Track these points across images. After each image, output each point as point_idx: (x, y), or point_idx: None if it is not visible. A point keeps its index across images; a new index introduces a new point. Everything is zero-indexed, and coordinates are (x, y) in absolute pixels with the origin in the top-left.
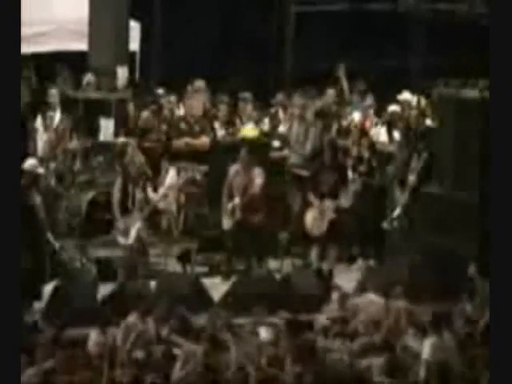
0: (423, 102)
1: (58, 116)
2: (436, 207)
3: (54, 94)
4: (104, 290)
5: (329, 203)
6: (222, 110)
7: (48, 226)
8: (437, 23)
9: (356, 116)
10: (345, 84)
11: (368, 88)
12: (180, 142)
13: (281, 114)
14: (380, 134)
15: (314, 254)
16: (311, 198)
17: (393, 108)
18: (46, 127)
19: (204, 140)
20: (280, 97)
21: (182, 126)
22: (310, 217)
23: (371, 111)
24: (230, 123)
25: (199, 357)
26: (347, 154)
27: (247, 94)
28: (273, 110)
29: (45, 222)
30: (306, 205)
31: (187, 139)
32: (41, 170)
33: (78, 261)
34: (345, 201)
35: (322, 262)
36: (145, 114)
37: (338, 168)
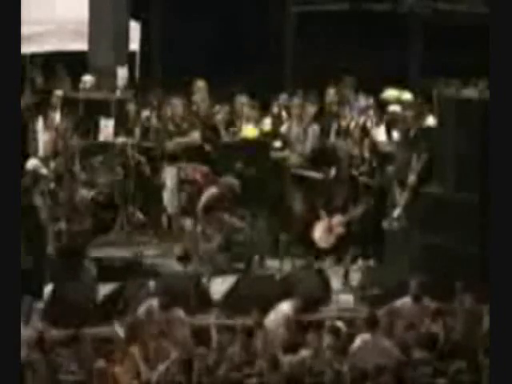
0: (423, 101)
1: (58, 116)
2: (436, 207)
3: (59, 94)
4: (104, 290)
5: (338, 218)
6: (223, 110)
7: (48, 225)
8: (437, 23)
9: (356, 116)
10: (351, 97)
11: (368, 88)
12: (171, 143)
13: (284, 115)
14: (379, 133)
15: (327, 263)
16: (321, 212)
17: (393, 108)
18: (47, 127)
19: (194, 136)
20: (283, 97)
21: (170, 127)
22: (318, 230)
23: (371, 112)
24: (230, 124)
25: None
26: (358, 164)
27: (243, 98)
28: (275, 111)
29: (45, 222)
30: (316, 218)
31: (177, 139)
32: (44, 171)
33: (78, 261)
34: (355, 212)
35: (322, 262)
36: (145, 113)
37: (349, 181)
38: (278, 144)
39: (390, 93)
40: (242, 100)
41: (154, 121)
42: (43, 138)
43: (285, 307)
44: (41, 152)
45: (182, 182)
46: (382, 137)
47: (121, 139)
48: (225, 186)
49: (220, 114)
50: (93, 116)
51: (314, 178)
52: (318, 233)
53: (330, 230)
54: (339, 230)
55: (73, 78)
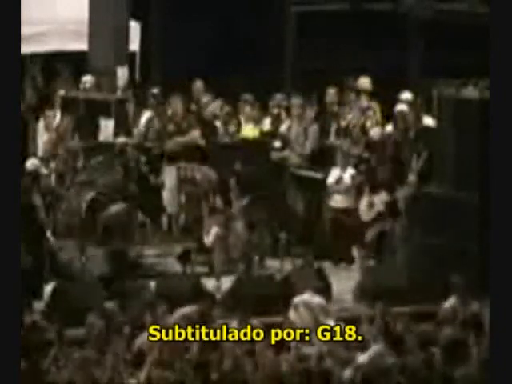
0: (423, 101)
1: (58, 116)
2: (436, 207)
3: (59, 94)
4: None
5: (381, 196)
6: (223, 110)
7: (48, 225)
8: (437, 23)
9: (356, 116)
10: (352, 96)
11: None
12: (171, 143)
13: (283, 115)
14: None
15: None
16: (365, 187)
17: (400, 107)
18: (47, 127)
19: (193, 135)
20: (279, 97)
21: (170, 127)
22: (363, 203)
23: (370, 112)
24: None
25: None
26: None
27: (248, 96)
28: (275, 111)
29: (45, 221)
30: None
31: (177, 138)
32: (44, 171)
33: (78, 261)
34: (398, 194)
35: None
36: (145, 113)
37: (396, 162)
38: (277, 144)
39: (406, 95)
40: (244, 101)
41: (154, 120)
42: (43, 138)
43: (315, 298)
44: (40, 152)
45: (181, 182)
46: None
47: (121, 139)
48: (201, 180)
49: (215, 110)
50: (93, 116)
51: (314, 178)
52: (362, 206)
53: (371, 205)
54: (380, 207)
55: (73, 77)
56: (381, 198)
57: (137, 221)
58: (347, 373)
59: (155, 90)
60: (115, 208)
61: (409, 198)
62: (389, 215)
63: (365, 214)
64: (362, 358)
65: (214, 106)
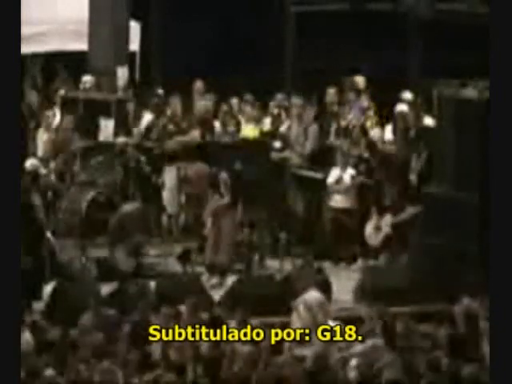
0: (423, 101)
1: (58, 116)
2: (436, 207)
3: (59, 94)
4: (104, 289)
5: (387, 218)
6: (223, 109)
7: (48, 225)
8: (437, 23)
9: (356, 116)
10: (351, 95)
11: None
12: (172, 142)
13: (283, 115)
14: (385, 132)
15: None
16: (372, 210)
17: (400, 107)
18: (47, 127)
19: (193, 134)
20: (279, 97)
21: (170, 127)
22: (368, 228)
23: (370, 112)
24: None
25: None
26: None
27: (249, 96)
28: (275, 111)
29: (44, 221)
30: (368, 215)
31: (177, 138)
32: (43, 171)
33: (78, 261)
34: (403, 215)
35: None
36: (146, 113)
37: (398, 181)
38: (277, 144)
39: (406, 95)
40: (245, 101)
41: (158, 120)
42: (43, 138)
43: (315, 295)
44: (40, 152)
45: (181, 182)
46: (388, 136)
47: (121, 139)
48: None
49: (207, 107)
50: (93, 116)
51: (314, 178)
52: (368, 230)
53: (378, 228)
54: (387, 229)
55: (73, 78)
56: (387, 221)
57: (152, 216)
58: (347, 372)
59: (160, 91)
60: (129, 206)
61: (414, 217)
62: (397, 241)
63: (372, 238)
64: (358, 347)
65: (203, 103)
